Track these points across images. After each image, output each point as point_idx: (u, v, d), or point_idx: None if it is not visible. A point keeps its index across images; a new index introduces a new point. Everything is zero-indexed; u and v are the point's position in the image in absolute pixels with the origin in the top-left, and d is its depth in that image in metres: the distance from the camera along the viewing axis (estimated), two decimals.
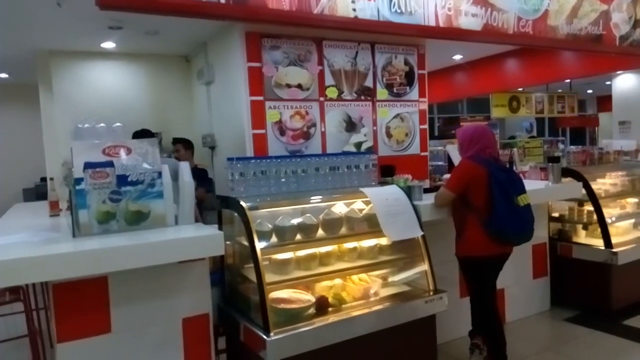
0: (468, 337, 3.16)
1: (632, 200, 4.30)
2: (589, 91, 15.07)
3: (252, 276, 2.55)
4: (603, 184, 4.12)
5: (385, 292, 2.96)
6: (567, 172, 3.96)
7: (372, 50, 5.05)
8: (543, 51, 6.26)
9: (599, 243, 3.98)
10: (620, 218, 4.13)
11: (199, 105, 5.73)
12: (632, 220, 4.29)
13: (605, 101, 16.11)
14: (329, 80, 4.80)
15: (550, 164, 3.83)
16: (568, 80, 12.57)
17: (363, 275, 2.96)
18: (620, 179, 4.31)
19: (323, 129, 4.79)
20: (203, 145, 5.36)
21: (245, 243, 2.65)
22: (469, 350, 3.10)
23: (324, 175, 3.02)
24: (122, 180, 2.56)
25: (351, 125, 4.96)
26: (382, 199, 2.97)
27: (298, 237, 2.75)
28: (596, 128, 15.79)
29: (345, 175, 3.12)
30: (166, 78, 5.90)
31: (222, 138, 5.12)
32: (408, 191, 3.16)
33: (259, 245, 2.52)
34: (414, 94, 5.35)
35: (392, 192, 3.07)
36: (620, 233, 4.06)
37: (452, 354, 3.28)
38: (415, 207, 3.03)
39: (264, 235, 2.63)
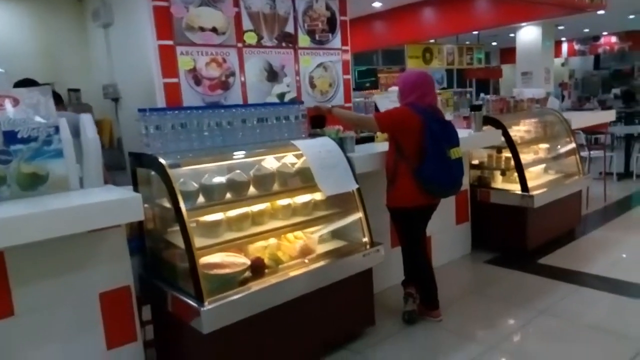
0: (401, 286, 3.18)
1: (544, 145, 4.55)
2: (494, 43, 15.82)
3: (179, 241, 2.28)
4: (518, 131, 4.28)
5: (322, 248, 2.84)
6: (487, 120, 4.04)
7: None
8: (456, 1, 6.30)
9: (515, 188, 4.18)
10: (534, 163, 4.35)
11: (96, 51, 5.03)
12: (543, 165, 4.55)
13: (507, 53, 17.05)
14: (246, 24, 4.40)
15: (472, 112, 3.87)
16: (476, 33, 13.05)
17: (299, 233, 2.81)
18: (533, 125, 4.52)
19: (243, 79, 4.44)
20: (104, 97, 4.76)
21: (168, 205, 2.35)
22: (403, 299, 3.12)
23: (252, 127, 2.75)
24: (10, 137, 2.12)
25: (273, 75, 4.65)
26: (315, 151, 2.79)
27: (228, 196, 2.50)
28: (499, 79, 16.75)
29: (275, 128, 2.87)
30: (55, 20, 5.08)
31: (127, 88, 4.56)
32: (340, 143, 3.00)
33: (185, 207, 2.24)
34: (336, 41, 5.13)
35: (324, 144, 2.89)
36: (534, 177, 4.28)
37: (387, 304, 3.30)
38: (349, 159, 2.89)
39: (189, 196, 2.35)
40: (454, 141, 2.93)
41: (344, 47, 5.24)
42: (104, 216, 2.01)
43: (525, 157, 4.18)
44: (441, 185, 2.86)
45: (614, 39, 14.73)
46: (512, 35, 13.13)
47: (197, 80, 4.17)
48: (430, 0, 6.66)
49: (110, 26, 4.57)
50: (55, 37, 5.09)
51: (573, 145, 4.71)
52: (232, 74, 4.37)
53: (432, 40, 11.77)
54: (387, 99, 4.06)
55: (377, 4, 6.75)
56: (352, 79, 5.39)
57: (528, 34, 11.97)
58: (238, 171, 2.53)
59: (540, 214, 4.10)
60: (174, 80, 4.05)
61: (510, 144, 4.03)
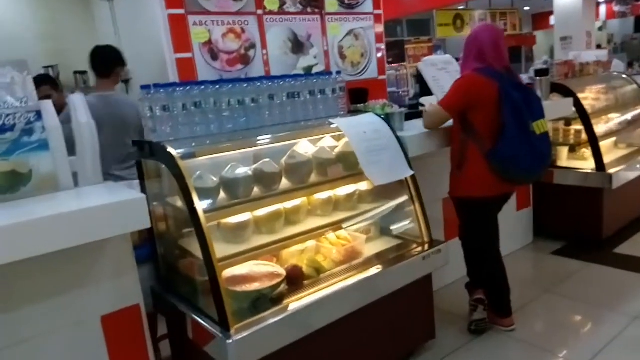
0: (466, 290, 2.65)
1: (615, 115, 3.90)
2: (526, 8, 14.80)
3: (196, 250, 1.80)
4: (588, 99, 3.65)
5: (371, 249, 2.33)
6: (553, 88, 3.42)
7: None
8: None
9: (586, 166, 3.57)
10: (605, 136, 3.72)
11: (103, 29, 4.56)
12: (614, 138, 3.91)
13: (540, 19, 15.97)
14: None
15: (538, 78, 3.26)
16: None
17: (342, 232, 2.30)
18: (602, 92, 3.87)
19: (265, 51, 3.90)
20: None
21: (181, 206, 1.87)
22: (470, 307, 2.59)
23: (281, 105, 2.23)
24: None
25: (298, 46, 4.10)
26: (359, 131, 2.25)
27: (255, 191, 2.00)
28: (533, 47, 15.74)
29: (308, 104, 2.34)
30: None
31: (138, 68, 4.08)
32: (387, 120, 2.45)
33: (202, 207, 1.75)
34: (367, 5, 4.52)
35: (370, 123, 2.35)
36: (605, 153, 3.65)
37: (443, 308, 2.78)
38: (399, 140, 2.35)
39: (207, 194, 1.86)
40: (539, 112, 2.34)
41: (376, 12, 4.64)
42: (101, 225, 1.53)
43: (597, 130, 3.55)
44: (525, 169, 2.29)
45: None
46: None
47: (214, 54, 3.65)
48: None
49: None
50: (58, 16, 4.63)
51: None
52: (253, 46, 3.83)
53: (461, 7, 10.96)
54: (434, 67, 3.47)
55: None
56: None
57: None
58: (267, 160, 2.02)
59: (618, 195, 3.50)
60: (188, 55, 3.53)
61: (583, 115, 3.41)
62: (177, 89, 1.90)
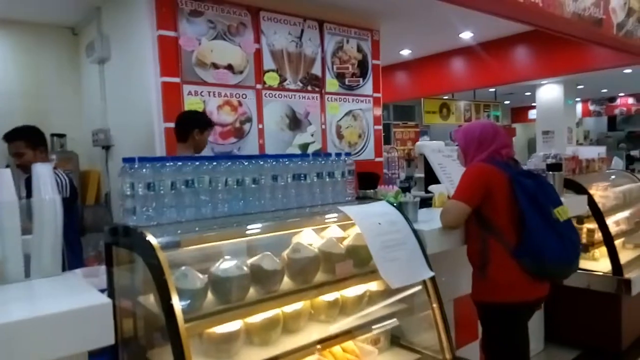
0: None
1: (623, 214, 3.73)
2: (507, 102, 15.42)
3: None
4: (597, 197, 3.47)
5: None
6: (566, 183, 3.25)
7: (320, 30, 4.06)
8: (493, 50, 5.70)
9: (598, 267, 3.32)
10: (616, 237, 3.50)
11: (90, 91, 4.33)
12: (623, 239, 3.70)
13: (519, 112, 16.66)
14: (268, 63, 3.72)
15: (551, 172, 3.08)
16: (492, 90, 12.62)
17: (349, 344, 1.91)
18: (610, 190, 3.72)
19: (261, 126, 3.70)
20: (94, 145, 3.99)
21: (156, 308, 1.49)
22: None
23: (285, 187, 1.93)
24: None
25: (295, 122, 3.91)
26: (373, 223, 1.95)
27: (251, 292, 1.63)
28: (513, 138, 16.24)
29: (315, 187, 2.05)
30: (45, 55, 4.42)
31: (122, 134, 3.80)
32: (400, 209, 2.17)
33: (183, 312, 1.37)
34: (367, 87, 4.45)
35: (384, 213, 2.06)
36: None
37: None
38: (417, 234, 2.05)
39: (191, 296, 1.48)
40: (557, 199, 2.12)
41: (376, 95, 4.56)
42: (45, 346, 1.14)
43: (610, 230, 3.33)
44: (559, 260, 2.01)
45: (630, 100, 14.34)
46: (528, 94, 12.72)
47: None
48: (462, 50, 6.08)
49: (106, 61, 3.88)
50: (45, 74, 4.40)
51: None
52: (249, 119, 3.63)
53: (446, 97, 11.29)
54: (439, 153, 3.28)
55: (405, 52, 6.15)
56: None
57: (549, 92, 11.48)
58: (267, 253, 1.68)
59: (637, 301, 3.21)
60: None
61: (597, 213, 3.21)
62: (167, 164, 1.59)
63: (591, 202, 3.21)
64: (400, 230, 2.01)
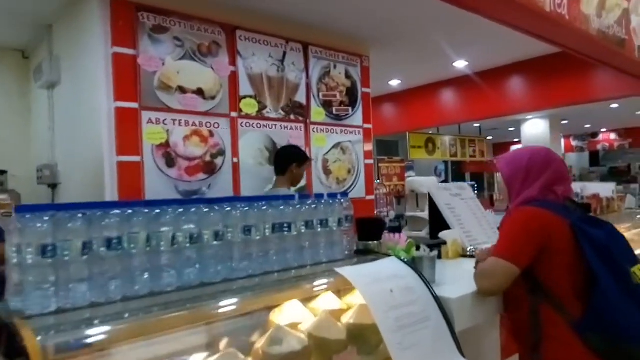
0: None
1: None
2: (489, 137, 15.29)
3: None
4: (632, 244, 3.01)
5: None
6: None
7: (305, 53, 3.61)
8: (488, 80, 5.37)
9: None
10: None
11: (38, 120, 3.76)
12: None
13: (501, 148, 16.57)
14: (245, 88, 3.23)
15: None
16: (477, 125, 12.44)
17: None
18: (633, 234, 3.28)
19: (236, 160, 3.17)
20: (38, 182, 3.39)
21: None
22: None
23: (262, 242, 1.39)
24: None
25: None
26: (382, 291, 1.41)
27: None
28: (494, 173, 16.05)
29: (303, 240, 1.52)
30: None
31: (70, 170, 3.21)
32: (413, 268, 1.63)
33: None
34: (357, 117, 3.99)
35: (395, 275, 1.52)
36: None
37: None
38: (440, 304, 1.51)
39: None
40: (632, 255, 1.60)
41: (366, 125, 4.10)
42: None
43: None
44: (638, 339, 1.48)
45: (612, 135, 14.36)
46: (511, 129, 12.57)
47: (170, 159, 2.87)
48: (453, 81, 5.74)
49: (56, 86, 3.34)
50: None
51: None
52: (221, 152, 3.09)
53: (432, 132, 11.02)
54: (447, 192, 2.79)
55: (395, 82, 5.77)
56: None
57: (534, 127, 11.33)
58: (231, 351, 1.12)
59: None
60: (135, 158, 2.73)
61: None
62: (78, 214, 1.03)
63: None
64: (419, 301, 1.48)
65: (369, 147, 4.13)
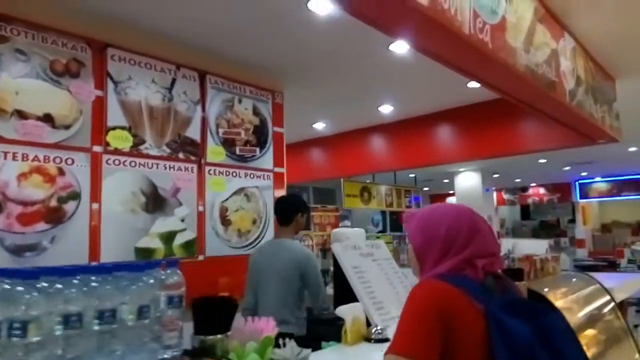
0: None
1: (591, 332, 2.87)
2: (425, 188, 15.31)
3: None
4: (566, 313, 2.59)
5: None
6: (529, 296, 2.33)
7: (201, 83, 3.08)
8: (415, 128, 5.07)
9: None
10: None
11: None
12: None
13: (437, 199, 16.65)
14: (115, 117, 2.61)
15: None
16: (412, 176, 12.34)
17: None
18: (570, 300, 2.87)
19: (96, 205, 2.49)
20: None
21: None
22: None
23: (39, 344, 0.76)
24: None
25: (156, 202, 2.76)
26: None
27: None
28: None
29: (90, 340, 0.89)
30: None
31: None
32: None
33: None
34: (266, 159, 3.45)
35: None
36: None
37: None
38: None
39: None
40: None
41: (278, 169, 3.57)
42: None
43: None
44: None
45: (542, 190, 14.81)
46: (446, 181, 12.61)
47: None
48: (383, 127, 5.41)
49: None
50: None
51: (623, 325, 3.08)
52: (75, 196, 2.41)
53: (368, 181, 10.76)
54: (356, 251, 2.25)
55: (320, 126, 5.34)
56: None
57: (467, 180, 11.39)
58: None
59: None
60: None
61: None
62: None
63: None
64: None
65: (282, 193, 3.58)
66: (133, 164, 2.67)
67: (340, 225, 10.65)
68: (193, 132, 2.97)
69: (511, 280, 1.35)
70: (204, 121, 3.04)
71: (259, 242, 3.30)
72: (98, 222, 2.48)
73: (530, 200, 15.31)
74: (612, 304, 3.06)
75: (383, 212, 14.16)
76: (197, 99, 3.02)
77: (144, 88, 2.75)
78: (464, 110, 4.71)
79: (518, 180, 13.88)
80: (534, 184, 14.72)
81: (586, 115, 3.08)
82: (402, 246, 11.54)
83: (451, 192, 12.00)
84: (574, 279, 3.10)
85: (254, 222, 3.31)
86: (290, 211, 2.70)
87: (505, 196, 15.85)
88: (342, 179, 9.76)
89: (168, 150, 2.83)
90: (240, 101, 3.30)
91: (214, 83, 3.13)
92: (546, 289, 2.55)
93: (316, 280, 2.49)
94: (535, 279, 2.80)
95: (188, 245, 2.86)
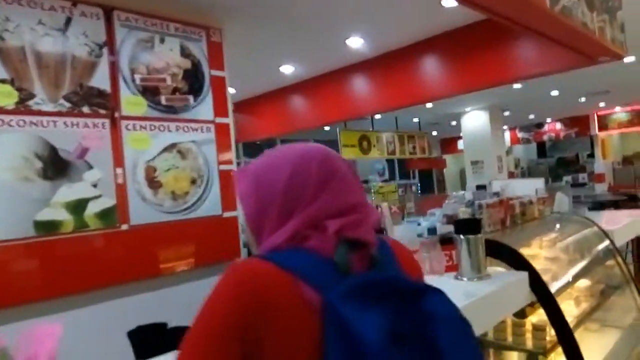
0: None
1: (584, 284, 2.42)
2: (434, 133, 14.65)
3: None
4: (543, 267, 2.13)
5: None
6: (493, 249, 1.88)
7: (108, 20, 2.58)
8: (394, 62, 4.49)
9: None
10: (578, 324, 2.16)
11: None
12: (584, 323, 2.37)
13: (449, 143, 15.96)
14: None
15: (462, 236, 1.69)
16: (416, 120, 11.70)
17: None
18: (559, 249, 2.41)
19: None
20: None
21: None
22: None
23: None
24: None
25: (58, 167, 2.35)
26: None
27: None
28: (443, 170, 15.46)
29: None
30: None
31: None
32: None
33: None
34: (204, 109, 2.98)
35: None
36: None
37: None
38: None
39: None
40: None
41: (220, 120, 3.11)
42: None
43: (568, 319, 1.97)
44: None
45: (558, 125, 13.97)
46: (453, 123, 11.94)
47: None
48: (361, 66, 4.83)
49: None
50: None
51: (624, 273, 2.63)
52: None
53: (369, 129, 10.20)
54: None
55: (287, 69, 4.78)
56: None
57: (475, 120, 10.71)
58: None
59: None
60: None
61: (545, 299, 1.84)
62: None
63: (535, 281, 1.83)
64: None
65: (228, 146, 3.14)
66: (21, 123, 2.24)
67: None
68: (100, 80, 2.51)
69: (399, 246, 0.91)
70: (114, 67, 2.57)
71: (200, 205, 2.90)
72: None
73: (546, 137, 14.52)
74: (610, 248, 2.59)
75: (389, 161, 13.64)
76: (103, 41, 2.54)
77: (28, 31, 2.28)
78: (445, 37, 4.11)
79: (532, 116, 13.09)
80: (549, 120, 13.89)
81: (576, 25, 2.50)
82: (408, 194, 11.11)
83: (461, 134, 11.37)
84: (558, 223, 2.62)
85: (193, 181, 2.89)
86: None
87: (520, 134, 15.07)
88: (337, 129, 9.25)
89: (68, 105, 2.39)
90: (162, 41, 2.81)
91: (124, 20, 2.63)
92: (518, 238, 2.09)
93: None
94: (513, 226, 2.34)
95: (105, 215, 2.48)
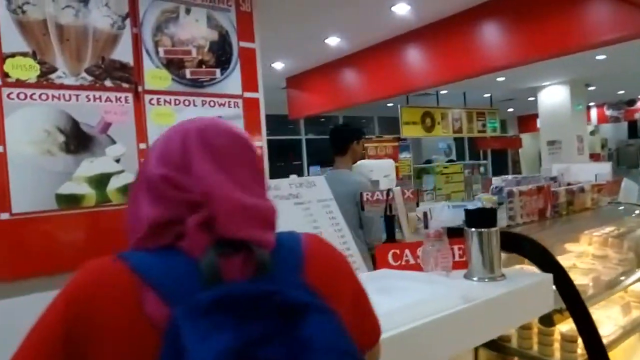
0: None
1: (637, 288, 2.08)
2: (510, 110, 13.71)
3: None
4: (583, 270, 1.82)
5: None
6: (513, 245, 1.63)
7: None
8: (449, 30, 4.11)
9: None
10: (624, 336, 1.85)
11: None
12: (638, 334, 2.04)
13: (526, 121, 14.86)
14: (13, 41, 2.20)
15: (473, 229, 1.47)
16: (488, 95, 10.96)
17: None
18: (610, 245, 2.08)
19: (0, 149, 2.18)
20: None
21: None
22: None
23: None
24: None
25: (80, 141, 2.38)
26: None
27: None
28: (519, 150, 14.48)
29: None
30: None
31: None
32: None
33: None
34: (231, 83, 2.90)
35: None
36: None
37: None
38: None
39: None
40: None
41: (249, 95, 3.02)
42: None
43: (604, 332, 1.69)
44: None
45: None
46: (531, 99, 11.03)
47: None
48: (413, 35, 4.50)
49: None
50: None
51: None
52: None
53: (435, 105, 9.69)
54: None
55: (333, 41, 4.58)
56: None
57: (553, 95, 9.83)
58: None
59: None
60: None
61: (576, 307, 1.57)
62: None
63: (563, 283, 1.56)
64: None
65: (259, 123, 3.05)
66: (44, 96, 2.28)
67: (399, 157, 9.88)
68: (122, 53, 2.50)
69: (320, 248, 0.76)
70: (137, 39, 2.55)
71: None
72: (4, 167, 2.17)
73: (638, 115, 13.08)
74: None
75: (459, 139, 12.96)
76: (126, 12, 2.51)
77: (49, 4, 2.30)
78: (505, 2, 3.69)
79: (621, 92, 11.81)
80: None
81: None
82: (475, 176, 10.51)
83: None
84: (621, 215, 2.26)
85: None
86: (344, 139, 2.80)
87: (608, 112, 13.69)
88: (399, 105, 8.88)
89: (90, 78, 2.40)
90: (188, 11, 2.74)
91: None
92: (555, 232, 1.81)
93: None
94: (555, 217, 2.04)
95: (128, 190, 2.49)
